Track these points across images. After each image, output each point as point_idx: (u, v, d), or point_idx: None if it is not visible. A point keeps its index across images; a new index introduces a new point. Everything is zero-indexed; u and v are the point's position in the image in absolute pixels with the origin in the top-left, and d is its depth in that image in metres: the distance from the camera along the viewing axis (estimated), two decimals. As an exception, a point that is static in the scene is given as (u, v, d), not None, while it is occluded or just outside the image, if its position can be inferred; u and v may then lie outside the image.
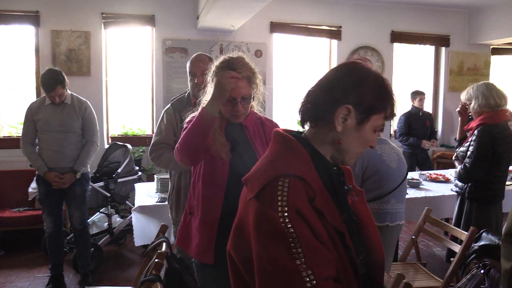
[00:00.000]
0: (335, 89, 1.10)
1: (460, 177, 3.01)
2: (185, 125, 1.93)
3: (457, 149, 3.18)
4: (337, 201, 1.10)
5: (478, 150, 2.88)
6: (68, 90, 3.40)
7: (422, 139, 5.50)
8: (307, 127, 1.18)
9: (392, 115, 1.15)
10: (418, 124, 5.55)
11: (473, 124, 3.01)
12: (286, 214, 0.97)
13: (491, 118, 2.91)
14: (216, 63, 1.83)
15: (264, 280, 0.97)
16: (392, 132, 6.35)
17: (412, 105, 5.67)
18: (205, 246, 1.82)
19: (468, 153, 2.94)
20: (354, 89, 1.09)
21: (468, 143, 2.99)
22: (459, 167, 3.02)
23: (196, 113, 1.93)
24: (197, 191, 1.88)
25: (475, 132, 2.94)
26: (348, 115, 1.09)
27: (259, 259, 0.99)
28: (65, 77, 3.33)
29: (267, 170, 1.06)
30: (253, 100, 1.88)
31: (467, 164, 2.92)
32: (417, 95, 5.63)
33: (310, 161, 1.09)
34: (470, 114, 3.10)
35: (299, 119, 1.19)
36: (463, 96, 3.08)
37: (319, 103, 1.12)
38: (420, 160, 5.57)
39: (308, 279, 0.93)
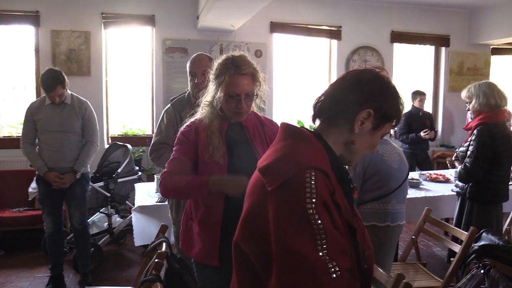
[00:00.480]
0: (361, 92, 1.14)
1: (460, 177, 3.01)
2: (179, 135, 1.89)
3: (457, 149, 3.18)
4: (347, 197, 1.13)
5: (478, 149, 2.88)
6: (68, 90, 3.40)
7: (419, 141, 5.51)
8: (317, 123, 1.21)
9: (397, 125, 1.24)
10: (418, 124, 5.54)
11: (472, 124, 3.01)
12: (313, 205, 0.99)
13: (490, 118, 2.91)
14: (219, 60, 1.82)
15: (287, 271, 0.97)
16: (392, 133, 6.35)
17: (412, 105, 5.67)
18: (209, 250, 1.81)
19: (468, 152, 2.94)
20: (378, 96, 1.15)
21: (468, 143, 2.99)
22: (459, 167, 3.01)
23: (197, 115, 1.91)
24: None
25: (475, 131, 2.94)
26: (367, 119, 1.14)
27: (282, 249, 0.98)
28: (65, 77, 3.32)
29: (290, 161, 1.07)
30: (256, 98, 1.86)
31: (467, 164, 2.92)
32: (418, 95, 5.62)
33: (326, 156, 1.12)
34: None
35: (312, 114, 1.22)
36: (464, 94, 3.07)
37: (342, 102, 1.15)
38: (420, 160, 5.56)
39: (333, 270, 0.96)
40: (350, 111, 1.14)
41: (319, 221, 0.98)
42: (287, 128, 1.17)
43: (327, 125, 1.18)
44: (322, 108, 1.19)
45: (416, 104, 5.63)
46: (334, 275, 0.95)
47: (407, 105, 5.70)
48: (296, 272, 0.96)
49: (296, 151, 1.09)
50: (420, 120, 5.58)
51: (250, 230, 1.08)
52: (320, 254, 0.96)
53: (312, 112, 1.23)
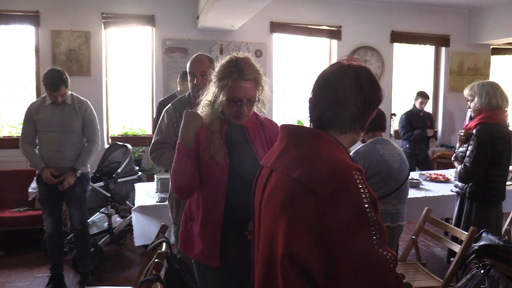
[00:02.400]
0: (369, 94, 1.16)
1: (460, 177, 3.00)
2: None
3: (457, 150, 3.17)
4: None
5: (477, 149, 2.87)
6: (68, 90, 3.40)
7: (423, 138, 5.51)
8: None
9: None
10: (418, 124, 5.54)
11: (472, 124, 3.01)
12: (367, 203, 1.03)
13: (490, 118, 2.91)
14: (223, 62, 1.78)
15: (356, 269, 1.00)
16: (392, 132, 6.36)
17: (414, 104, 5.67)
18: (210, 251, 1.80)
19: (468, 152, 2.94)
20: (376, 94, 1.17)
21: (467, 143, 2.99)
22: (459, 167, 3.01)
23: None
24: (196, 196, 1.85)
25: (474, 131, 2.94)
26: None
27: (348, 249, 1.00)
28: (68, 77, 3.34)
29: (334, 164, 1.07)
30: (258, 102, 1.85)
31: (467, 164, 2.91)
32: (420, 97, 5.59)
33: (347, 155, 1.15)
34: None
35: (315, 117, 1.18)
36: (466, 91, 3.05)
37: (356, 110, 1.15)
38: (420, 160, 5.56)
39: (390, 260, 1.04)
40: (368, 113, 1.17)
41: (375, 218, 1.03)
42: (302, 130, 1.17)
43: (333, 126, 1.16)
44: (343, 120, 1.16)
45: (417, 105, 5.62)
46: (392, 265, 1.04)
47: (407, 105, 5.72)
48: (364, 268, 1.00)
49: (330, 153, 1.10)
50: (420, 120, 5.58)
51: (303, 240, 1.05)
52: (376, 247, 1.02)
53: (312, 115, 1.20)
